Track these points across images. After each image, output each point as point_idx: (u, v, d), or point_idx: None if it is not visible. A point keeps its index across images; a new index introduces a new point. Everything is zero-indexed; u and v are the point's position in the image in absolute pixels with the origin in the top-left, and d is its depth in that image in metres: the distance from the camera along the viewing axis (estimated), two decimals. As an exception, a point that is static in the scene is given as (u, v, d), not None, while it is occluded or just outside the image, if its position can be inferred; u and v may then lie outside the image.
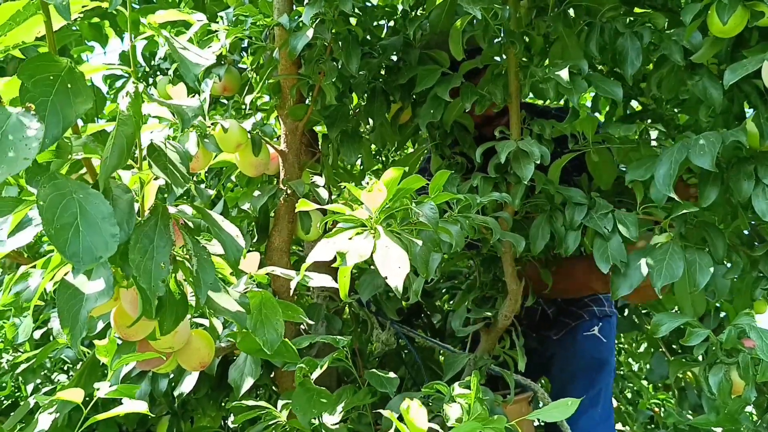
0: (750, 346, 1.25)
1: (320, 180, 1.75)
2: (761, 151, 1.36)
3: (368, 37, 1.71)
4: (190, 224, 0.98)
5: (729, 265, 1.37)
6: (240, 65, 1.87)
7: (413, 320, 2.29)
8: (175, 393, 1.65)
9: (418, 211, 1.15)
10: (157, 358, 1.33)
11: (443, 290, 2.23)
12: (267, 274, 1.28)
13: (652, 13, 1.49)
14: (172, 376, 1.74)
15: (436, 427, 1.31)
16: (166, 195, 1.45)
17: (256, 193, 1.63)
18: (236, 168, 1.68)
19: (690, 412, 2.31)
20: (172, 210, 0.99)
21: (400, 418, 1.23)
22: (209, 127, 1.51)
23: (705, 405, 1.43)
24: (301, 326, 1.89)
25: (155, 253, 0.87)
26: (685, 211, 1.35)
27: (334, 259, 1.08)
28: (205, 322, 1.39)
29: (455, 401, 1.44)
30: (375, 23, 1.74)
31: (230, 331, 1.48)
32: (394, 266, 1.03)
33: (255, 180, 1.75)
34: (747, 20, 1.29)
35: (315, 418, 1.53)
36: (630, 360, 2.89)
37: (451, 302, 2.27)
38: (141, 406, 1.50)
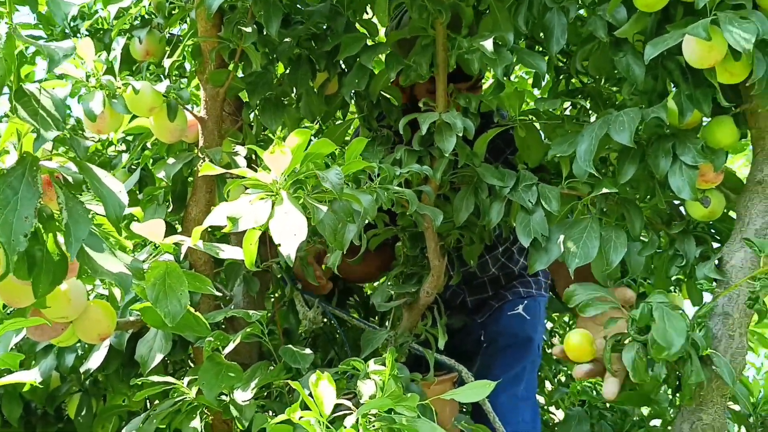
0: (662, 324, 1.24)
1: (242, 149, 1.69)
2: (681, 129, 1.35)
3: (297, 5, 1.65)
4: (70, 179, 0.91)
5: (645, 241, 1.36)
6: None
7: (345, 299, 2.25)
8: (81, 369, 1.57)
9: (323, 175, 1.10)
10: (53, 328, 1.25)
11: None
12: (176, 244, 1.22)
13: (580, -14, 1.47)
14: (81, 352, 1.66)
15: (347, 402, 1.26)
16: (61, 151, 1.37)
17: (171, 160, 1.56)
18: (152, 135, 1.60)
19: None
20: (50, 164, 0.92)
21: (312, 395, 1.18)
22: (119, 87, 1.43)
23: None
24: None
25: (18, 206, 0.80)
26: (606, 190, 1.34)
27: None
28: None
29: (370, 378, 1.40)
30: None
31: (138, 304, 1.41)
32: (288, 233, 0.98)
33: (174, 147, 1.67)
34: (672, -10, 1.28)
35: (226, 394, 1.48)
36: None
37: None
38: (30, 376, 1.43)
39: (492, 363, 1.85)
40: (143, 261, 1.17)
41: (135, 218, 1.65)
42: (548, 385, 2.81)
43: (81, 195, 0.93)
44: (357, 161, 1.23)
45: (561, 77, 1.68)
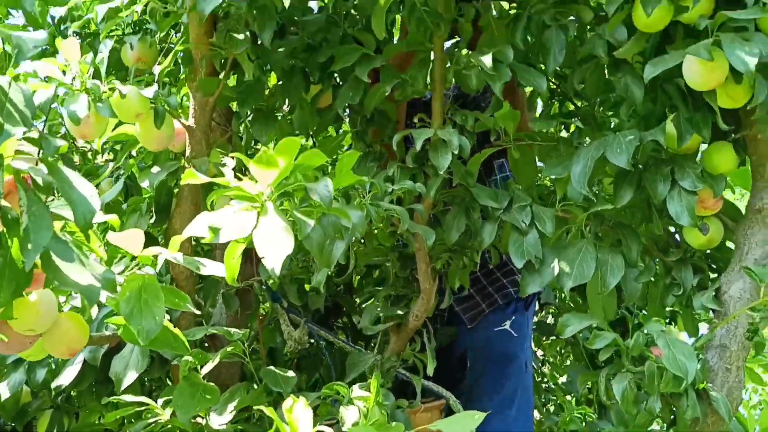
0: (658, 354, 1.20)
1: (230, 161, 1.64)
2: (679, 153, 1.31)
3: (291, 12, 1.62)
4: (39, 180, 0.86)
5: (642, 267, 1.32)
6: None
7: (333, 320, 2.19)
8: (53, 385, 1.50)
9: (311, 187, 1.05)
10: (19, 341, 1.19)
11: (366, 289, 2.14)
12: (154, 256, 1.16)
13: (579, 6, 1.45)
14: (54, 367, 1.59)
15: (328, 430, 1.20)
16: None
17: (155, 169, 1.51)
18: (138, 143, 1.55)
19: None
20: (19, 164, 0.87)
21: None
22: (105, 91, 1.38)
23: (613, 417, 1.37)
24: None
25: (-23, 207, 0.75)
26: (600, 208, 1.30)
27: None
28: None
29: (353, 404, 1.34)
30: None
31: (115, 318, 1.35)
32: (273, 246, 0.93)
33: (160, 156, 1.62)
34: (672, 14, 1.25)
35: (202, 417, 1.42)
36: (555, 374, 2.84)
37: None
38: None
39: (481, 383, 1.79)
40: (120, 273, 1.12)
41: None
42: (537, 414, 2.74)
43: (51, 198, 0.88)
44: (348, 175, 1.19)
45: (554, 99, 1.65)
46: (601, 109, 1.65)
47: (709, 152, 1.30)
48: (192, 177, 1.13)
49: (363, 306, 2.16)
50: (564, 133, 1.78)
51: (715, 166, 1.28)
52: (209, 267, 1.19)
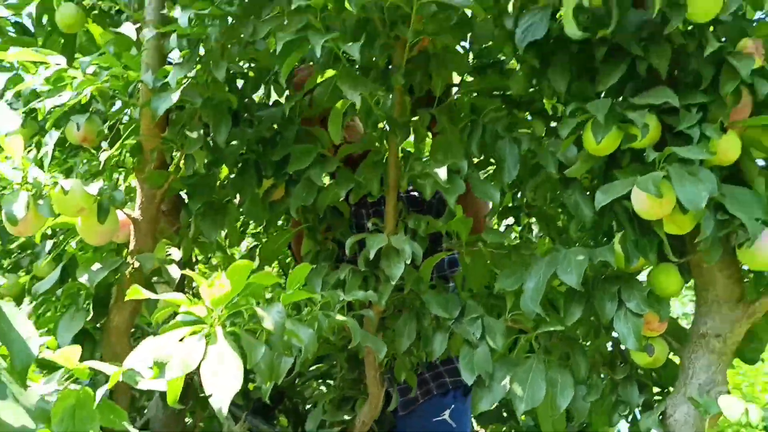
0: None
1: (177, 253, 1.59)
2: (627, 272, 1.35)
3: (246, 103, 1.61)
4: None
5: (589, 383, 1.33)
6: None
7: (275, 406, 2.12)
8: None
9: (263, 314, 1.02)
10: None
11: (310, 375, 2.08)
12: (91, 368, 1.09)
13: (533, 121, 1.49)
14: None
15: None
16: None
17: (96, 265, 1.44)
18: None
19: None
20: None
21: None
22: (47, 185, 1.32)
23: None
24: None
25: None
26: (551, 328, 1.31)
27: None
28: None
29: None
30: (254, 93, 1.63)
31: None
32: (221, 384, 0.89)
33: (102, 247, 1.56)
34: (620, 141, 1.30)
35: None
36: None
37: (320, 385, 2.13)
38: None
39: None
40: (54, 390, 1.05)
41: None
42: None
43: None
44: (299, 292, 1.16)
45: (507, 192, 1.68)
46: (553, 205, 1.69)
47: (656, 274, 1.33)
48: (136, 294, 1.08)
49: (306, 393, 2.10)
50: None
51: (661, 288, 1.32)
52: (148, 383, 1.13)
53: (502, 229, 2.00)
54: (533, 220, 1.81)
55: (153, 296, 1.09)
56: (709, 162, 1.23)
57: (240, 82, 1.64)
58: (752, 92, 1.27)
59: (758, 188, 1.26)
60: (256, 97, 1.71)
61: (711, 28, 1.29)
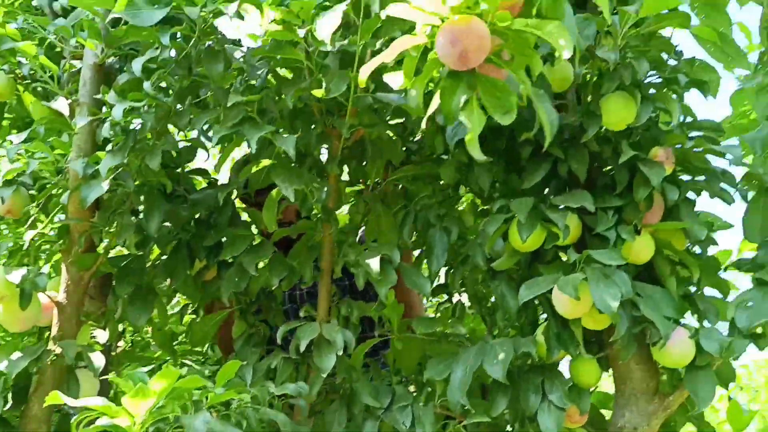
0: None
1: (103, 335, 1.55)
2: (550, 363, 1.40)
3: (179, 183, 1.60)
4: None
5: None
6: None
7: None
8: None
9: (188, 422, 1.01)
10: None
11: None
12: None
13: (463, 210, 1.54)
14: None
15: None
16: None
17: (16, 354, 1.39)
18: None
19: None
20: None
21: None
22: (-34, 273, 1.28)
23: None
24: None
25: None
26: (477, 419, 1.34)
27: None
28: None
29: None
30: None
31: None
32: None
33: (23, 333, 1.50)
34: (544, 238, 1.36)
35: None
36: None
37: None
38: None
39: None
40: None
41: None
42: None
43: None
44: (228, 392, 1.16)
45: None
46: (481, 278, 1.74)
47: (576, 365, 1.39)
48: (55, 399, 1.06)
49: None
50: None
51: (581, 380, 1.37)
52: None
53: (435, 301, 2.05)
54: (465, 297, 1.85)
55: (73, 403, 1.06)
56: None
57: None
58: (664, 196, 1.36)
59: (670, 287, 1.35)
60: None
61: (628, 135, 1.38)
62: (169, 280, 1.56)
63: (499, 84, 0.98)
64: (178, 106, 1.41)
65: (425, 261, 1.56)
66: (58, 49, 1.58)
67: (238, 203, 1.70)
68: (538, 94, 1.05)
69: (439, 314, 1.85)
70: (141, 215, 1.49)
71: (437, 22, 0.94)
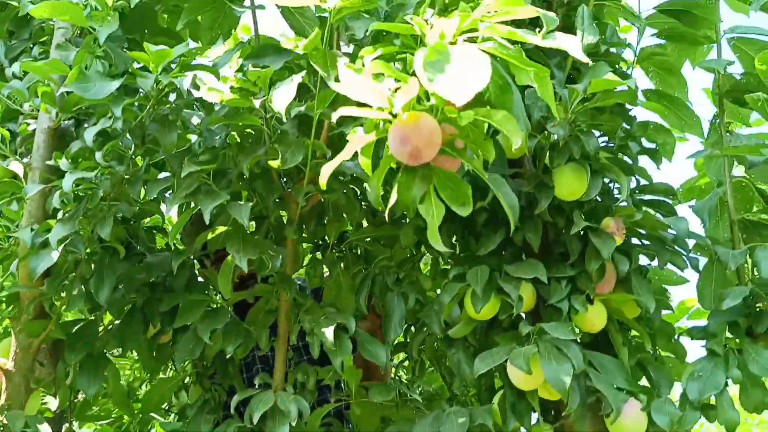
0: None
1: (54, 402, 1.51)
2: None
3: (138, 240, 1.58)
4: None
5: None
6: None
7: None
8: None
9: None
10: None
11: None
12: None
13: (421, 275, 1.54)
14: None
15: None
16: None
17: (-42, 429, 1.35)
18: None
19: None
20: None
21: None
22: None
23: None
24: None
25: None
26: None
27: None
28: None
29: None
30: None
31: None
32: None
33: (-32, 399, 1.46)
34: (498, 308, 1.37)
35: None
36: None
37: None
38: None
39: None
40: None
41: None
42: None
43: None
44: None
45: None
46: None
47: (532, 434, 1.39)
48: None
49: None
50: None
51: (537, 449, 1.37)
52: None
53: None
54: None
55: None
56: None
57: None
58: (615, 266, 1.38)
59: (623, 357, 1.36)
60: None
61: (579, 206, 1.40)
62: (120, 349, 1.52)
63: (453, 177, 0.99)
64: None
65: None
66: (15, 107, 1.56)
67: (196, 264, 1.68)
68: (496, 181, 1.06)
69: (401, 372, 1.85)
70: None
71: (388, 117, 0.95)
